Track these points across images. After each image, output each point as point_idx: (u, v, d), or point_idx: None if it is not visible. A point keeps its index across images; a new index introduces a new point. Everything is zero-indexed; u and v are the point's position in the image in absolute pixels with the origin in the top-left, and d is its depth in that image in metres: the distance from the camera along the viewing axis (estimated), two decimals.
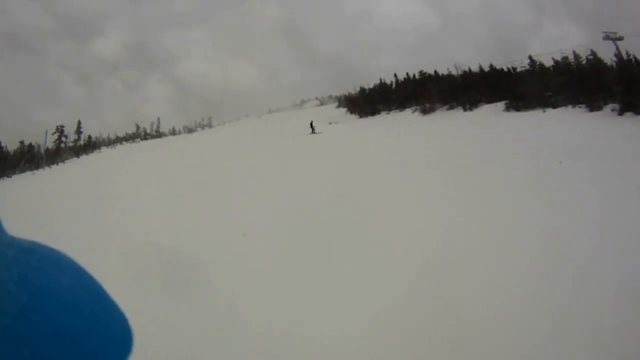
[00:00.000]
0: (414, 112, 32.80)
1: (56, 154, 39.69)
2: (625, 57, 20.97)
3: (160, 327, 4.80)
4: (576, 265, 5.21)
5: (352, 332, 4.55)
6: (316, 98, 68.88)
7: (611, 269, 4.92)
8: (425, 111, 31.49)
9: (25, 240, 0.27)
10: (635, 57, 20.64)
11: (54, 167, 36.00)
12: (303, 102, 71.06)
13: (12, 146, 40.18)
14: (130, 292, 5.24)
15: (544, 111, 22.30)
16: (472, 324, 4.42)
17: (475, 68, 32.67)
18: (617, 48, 21.33)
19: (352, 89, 47.93)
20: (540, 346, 3.88)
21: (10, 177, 33.72)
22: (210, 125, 60.26)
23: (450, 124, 22.84)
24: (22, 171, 35.46)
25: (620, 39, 21.46)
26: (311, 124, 28.09)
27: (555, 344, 3.86)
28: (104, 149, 43.18)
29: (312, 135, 26.13)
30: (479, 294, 4.98)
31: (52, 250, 0.28)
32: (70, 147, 42.29)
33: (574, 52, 24.07)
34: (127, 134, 50.51)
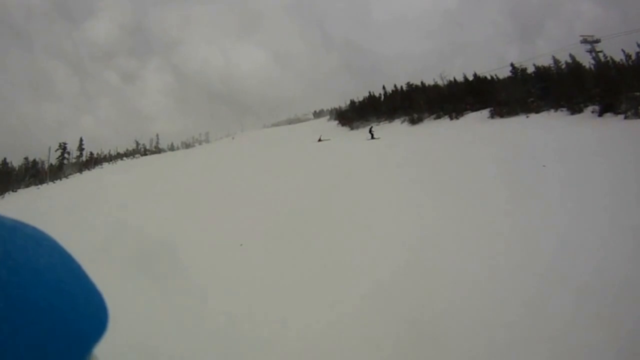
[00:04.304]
0: (402, 122, 33.02)
1: (59, 170, 40.43)
2: (602, 59, 21.24)
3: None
4: (545, 264, 5.25)
5: (333, 319, 4.69)
6: (309, 113, 69.74)
7: (578, 267, 4.97)
8: (413, 121, 31.71)
9: (9, 219, 0.27)
10: (612, 59, 20.89)
11: (57, 182, 36.55)
12: (297, 116, 71.99)
13: (16, 162, 41.07)
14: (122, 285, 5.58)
15: (527, 116, 22.43)
16: (441, 314, 4.49)
17: (479, 71, 33.03)
18: (594, 51, 21.63)
19: (343, 102, 48.37)
20: (503, 337, 3.94)
21: (16, 191, 34.49)
22: (207, 141, 61.00)
23: (437, 133, 23.01)
24: (27, 186, 36.38)
25: (597, 41, 21.75)
26: (370, 130, 28.30)
27: (519, 335, 3.90)
28: (105, 165, 43.59)
29: (306, 147, 26.33)
30: (451, 287, 5.05)
31: (35, 229, 0.28)
32: (73, 163, 43.01)
33: (553, 57, 24.41)
34: (127, 150, 51.21)
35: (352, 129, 37.67)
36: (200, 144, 58.16)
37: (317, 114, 65.34)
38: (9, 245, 0.24)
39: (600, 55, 21.84)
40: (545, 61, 24.83)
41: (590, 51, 22.26)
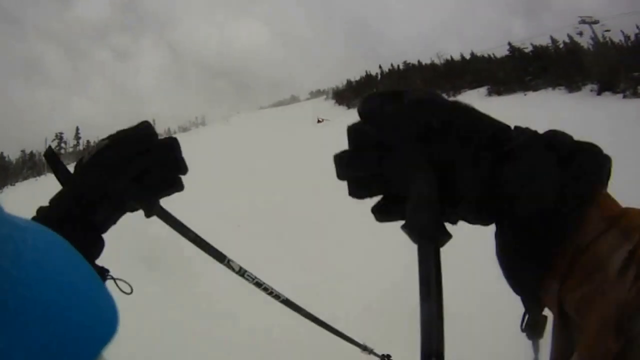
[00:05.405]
0: None
1: None
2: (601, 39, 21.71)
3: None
4: None
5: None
6: (306, 92, 69.66)
7: None
8: None
9: (20, 218, 0.28)
10: (611, 40, 21.36)
11: None
12: (293, 96, 71.80)
13: (13, 155, 40.48)
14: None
15: (525, 94, 22.83)
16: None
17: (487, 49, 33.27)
18: (593, 31, 22.08)
19: (340, 82, 48.37)
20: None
21: (14, 184, 34.13)
22: (204, 124, 60.66)
23: None
24: (25, 178, 35.88)
25: (596, 22, 22.17)
26: None
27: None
28: None
29: (305, 128, 26.54)
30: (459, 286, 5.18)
31: (46, 230, 0.29)
32: (70, 152, 42.47)
33: (551, 36, 24.80)
34: None
35: (349, 107, 37.96)
36: (197, 127, 57.78)
37: (314, 94, 65.26)
38: (21, 245, 0.24)
39: (608, 34, 22.26)
40: (546, 40, 25.10)
41: (579, 33, 22.77)
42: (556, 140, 0.30)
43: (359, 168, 0.35)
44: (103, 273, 0.54)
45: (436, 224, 0.30)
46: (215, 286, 5.87)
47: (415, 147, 0.31)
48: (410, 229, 0.31)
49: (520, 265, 0.30)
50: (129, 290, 0.58)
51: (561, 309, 0.28)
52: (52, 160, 0.53)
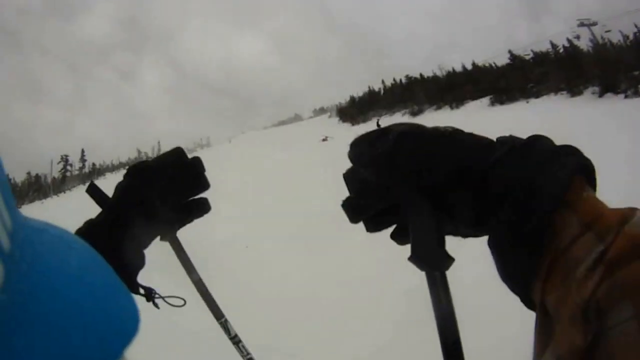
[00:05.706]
0: (403, 115, 33.27)
1: (62, 183, 40.80)
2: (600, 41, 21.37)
3: None
4: None
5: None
6: (310, 111, 70.32)
7: None
8: (414, 113, 31.94)
9: (38, 221, 0.27)
10: (610, 41, 20.94)
11: (61, 195, 36.76)
12: (297, 115, 72.52)
13: (19, 177, 41.24)
14: None
15: (527, 102, 22.54)
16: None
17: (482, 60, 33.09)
18: (592, 33, 21.77)
19: (344, 99, 48.64)
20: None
21: (20, 207, 34.40)
22: (208, 145, 61.48)
23: (439, 123, 23.01)
24: (31, 201, 36.39)
25: (594, 24, 21.88)
26: (377, 123, 28.84)
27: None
28: (108, 175, 43.90)
29: (311, 149, 26.39)
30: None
31: (64, 231, 0.28)
32: (75, 175, 43.28)
33: (550, 41, 24.55)
34: (129, 159, 51.54)
35: (353, 124, 37.85)
36: (202, 148, 58.64)
37: (317, 112, 65.80)
38: (39, 248, 0.24)
39: (608, 35, 22.02)
40: (547, 46, 24.96)
41: (577, 37, 22.54)
42: (534, 147, 0.31)
43: (365, 211, 0.39)
44: (150, 293, 0.58)
45: (439, 253, 0.33)
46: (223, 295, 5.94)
47: (408, 184, 0.34)
48: (416, 260, 0.34)
49: (512, 271, 0.32)
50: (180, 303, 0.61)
51: (544, 311, 0.29)
52: (94, 191, 0.59)
